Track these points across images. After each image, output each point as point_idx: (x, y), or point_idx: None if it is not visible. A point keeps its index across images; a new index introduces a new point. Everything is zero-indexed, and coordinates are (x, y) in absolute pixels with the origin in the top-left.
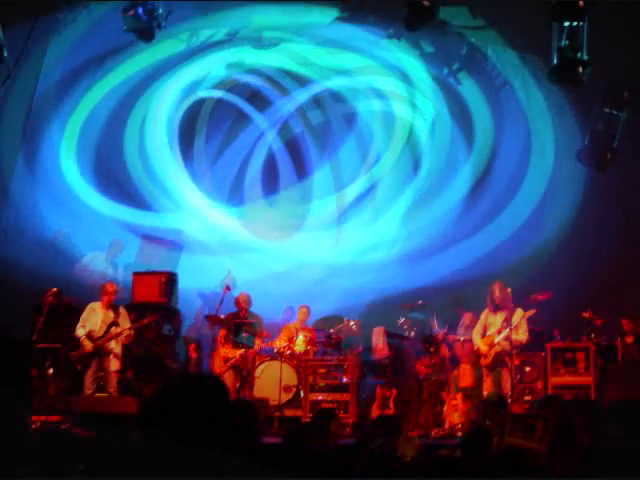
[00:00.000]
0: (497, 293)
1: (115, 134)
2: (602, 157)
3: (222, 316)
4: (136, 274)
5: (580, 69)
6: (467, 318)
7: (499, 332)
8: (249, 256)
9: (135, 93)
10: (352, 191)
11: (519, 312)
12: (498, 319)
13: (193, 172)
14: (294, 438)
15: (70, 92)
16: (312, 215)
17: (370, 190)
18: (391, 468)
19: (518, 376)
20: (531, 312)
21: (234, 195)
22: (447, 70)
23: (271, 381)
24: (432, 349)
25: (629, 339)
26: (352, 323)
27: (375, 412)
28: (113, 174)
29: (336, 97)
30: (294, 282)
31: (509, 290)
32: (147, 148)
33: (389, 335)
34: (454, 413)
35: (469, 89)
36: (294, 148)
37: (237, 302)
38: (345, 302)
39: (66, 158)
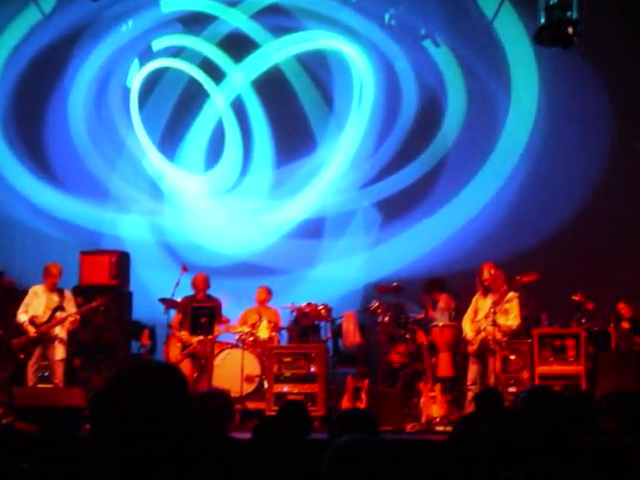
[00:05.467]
0: (486, 275)
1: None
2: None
3: (178, 299)
4: (83, 253)
5: (570, 29)
6: (442, 300)
7: (487, 317)
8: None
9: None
10: (309, 168)
11: (511, 295)
12: (488, 303)
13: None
14: (266, 432)
15: None
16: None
17: (331, 164)
18: (363, 464)
19: (502, 365)
20: (515, 295)
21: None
22: (425, 30)
23: (232, 371)
24: (408, 335)
25: (625, 325)
26: (320, 307)
27: (346, 404)
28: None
29: (293, 64)
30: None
31: (500, 271)
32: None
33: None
34: (432, 406)
35: (444, 51)
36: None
37: (194, 283)
38: (317, 291)
39: None
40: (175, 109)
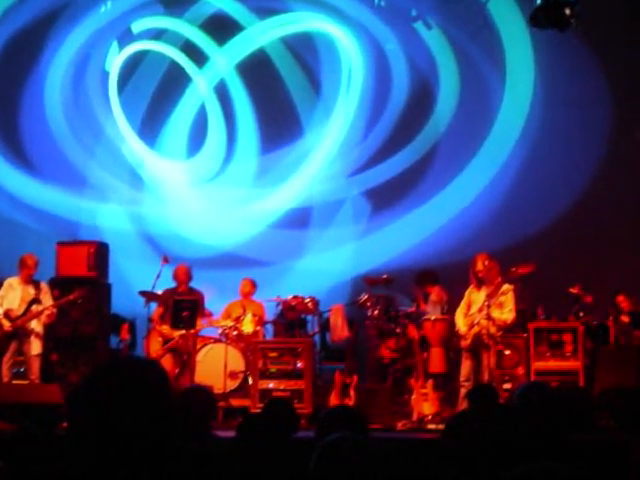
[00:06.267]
0: (479, 266)
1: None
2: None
3: (159, 292)
4: (60, 244)
5: (567, 10)
6: (434, 293)
7: (480, 310)
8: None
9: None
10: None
11: (506, 287)
12: (482, 296)
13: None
14: (250, 431)
15: None
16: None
17: (318, 151)
18: (352, 463)
19: (496, 360)
20: (510, 287)
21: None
22: (416, 12)
23: (215, 366)
24: (398, 330)
25: (624, 318)
26: (307, 300)
27: (334, 401)
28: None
29: (279, 47)
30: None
31: (495, 263)
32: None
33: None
34: (423, 403)
35: (436, 34)
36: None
37: (176, 275)
38: (304, 284)
39: None
40: (156, 94)
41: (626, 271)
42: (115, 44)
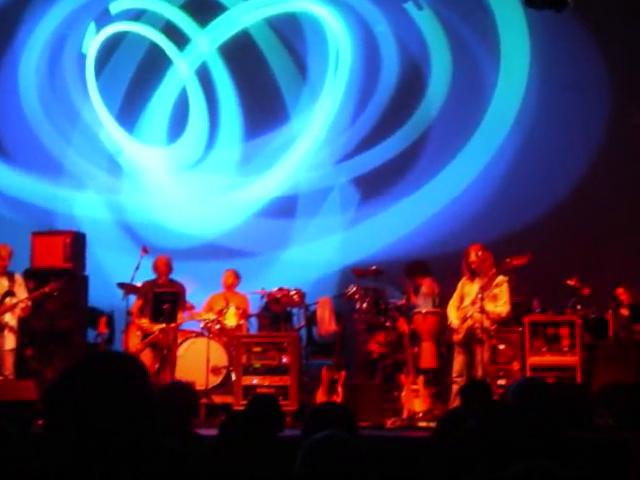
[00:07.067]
0: (473, 257)
1: None
2: None
3: (138, 284)
4: (35, 234)
5: None
6: (425, 285)
7: (474, 303)
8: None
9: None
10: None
11: (500, 279)
12: (475, 288)
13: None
14: (233, 429)
15: None
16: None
17: (304, 137)
18: (339, 463)
19: (490, 355)
20: (504, 279)
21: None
22: None
23: (197, 361)
24: (388, 323)
25: (624, 311)
26: (293, 292)
27: (321, 398)
28: None
29: (263, 29)
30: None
31: (489, 253)
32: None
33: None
34: (414, 399)
35: (428, 15)
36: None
37: (156, 266)
38: (289, 275)
39: None
40: (135, 77)
41: (626, 262)
42: (92, 25)
